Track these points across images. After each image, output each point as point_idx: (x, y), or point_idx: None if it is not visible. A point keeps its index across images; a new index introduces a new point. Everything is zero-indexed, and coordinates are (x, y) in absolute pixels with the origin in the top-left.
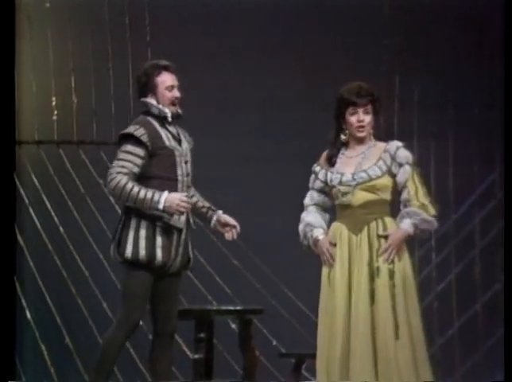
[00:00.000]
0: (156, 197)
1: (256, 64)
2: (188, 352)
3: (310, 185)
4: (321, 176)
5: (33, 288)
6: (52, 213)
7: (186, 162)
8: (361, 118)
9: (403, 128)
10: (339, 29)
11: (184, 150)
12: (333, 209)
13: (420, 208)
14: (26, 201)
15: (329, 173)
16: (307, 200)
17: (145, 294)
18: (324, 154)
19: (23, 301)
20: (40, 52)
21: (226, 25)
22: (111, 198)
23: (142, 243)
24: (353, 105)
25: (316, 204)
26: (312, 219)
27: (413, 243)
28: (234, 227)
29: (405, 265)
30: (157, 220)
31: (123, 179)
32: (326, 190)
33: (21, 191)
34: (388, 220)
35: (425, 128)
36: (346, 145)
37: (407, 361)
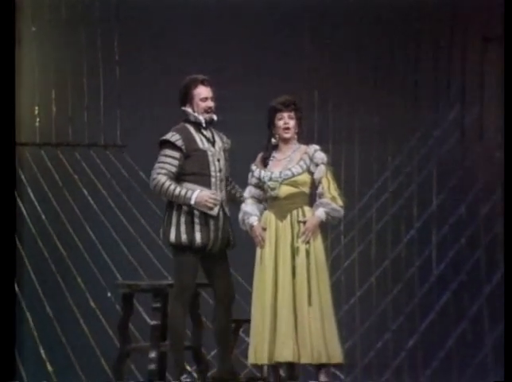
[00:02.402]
0: (188, 195)
1: None
2: (148, 320)
3: (248, 181)
4: (256, 174)
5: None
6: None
7: (219, 160)
8: (286, 121)
9: (320, 133)
10: (262, 55)
11: (217, 150)
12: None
13: (331, 200)
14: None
15: (262, 172)
16: (246, 194)
17: (191, 271)
18: (259, 156)
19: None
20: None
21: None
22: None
23: (183, 228)
24: (280, 112)
25: (252, 197)
26: (248, 209)
27: (326, 227)
28: None
29: (318, 245)
30: (195, 210)
31: (162, 179)
32: (260, 185)
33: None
34: (306, 208)
35: (338, 134)
36: (276, 148)
37: (317, 323)
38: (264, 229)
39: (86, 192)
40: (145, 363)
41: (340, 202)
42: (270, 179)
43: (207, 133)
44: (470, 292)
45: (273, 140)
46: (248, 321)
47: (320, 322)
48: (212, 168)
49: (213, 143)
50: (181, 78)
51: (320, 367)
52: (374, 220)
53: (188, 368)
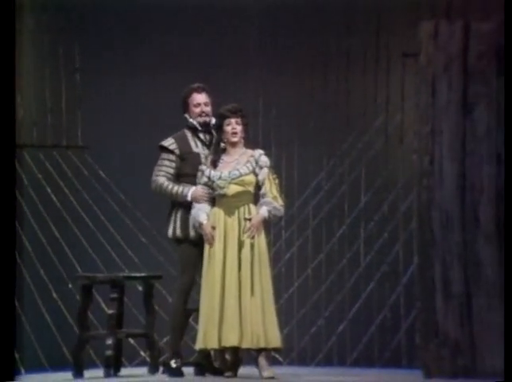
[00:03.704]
0: (185, 192)
1: None
2: (105, 308)
3: (197, 180)
4: (207, 173)
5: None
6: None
7: None
8: (234, 127)
9: (264, 138)
10: (212, 70)
11: None
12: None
13: (273, 199)
14: None
15: (212, 172)
16: None
17: (191, 263)
18: (209, 159)
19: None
20: None
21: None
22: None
23: (178, 224)
24: (228, 118)
25: None
26: (201, 206)
27: (269, 224)
28: None
29: (262, 240)
30: (190, 208)
31: (161, 179)
32: (209, 184)
33: None
34: (252, 206)
35: (280, 138)
36: (224, 151)
37: (258, 312)
38: (213, 228)
39: (49, 190)
40: (102, 349)
41: (281, 201)
42: (220, 178)
43: (205, 136)
44: (390, 282)
45: (221, 144)
46: (197, 310)
47: (260, 311)
48: None
49: (208, 146)
50: (139, 82)
51: (260, 351)
52: (310, 217)
53: (142, 353)
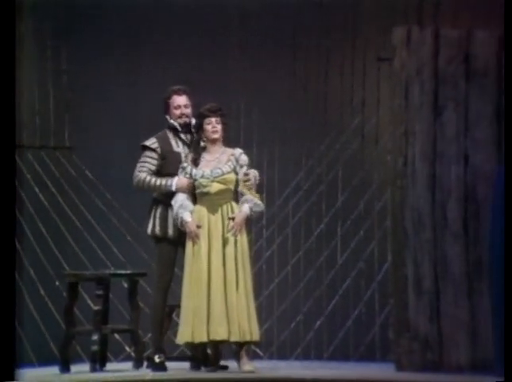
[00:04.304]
0: (169, 182)
1: None
2: (91, 305)
3: (179, 177)
4: (188, 170)
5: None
6: None
7: None
8: (214, 125)
9: (246, 137)
10: (197, 73)
11: None
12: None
13: (253, 196)
14: None
15: (194, 170)
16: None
17: (170, 261)
18: (190, 157)
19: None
20: None
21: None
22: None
23: (158, 222)
24: (208, 117)
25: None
26: (185, 203)
27: (251, 223)
28: None
29: (244, 238)
30: (170, 206)
31: (143, 175)
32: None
33: None
34: (234, 204)
35: (261, 138)
36: (205, 150)
37: (243, 306)
38: (199, 226)
39: (37, 189)
40: (88, 344)
41: (258, 197)
42: (202, 176)
43: (186, 136)
44: (365, 279)
45: (201, 143)
46: (179, 305)
47: (245, 305)
48: None
49: (189, 146)
50: (124, 85)
51: (241, 345)
52: (290, 216)
53: (127, 348)
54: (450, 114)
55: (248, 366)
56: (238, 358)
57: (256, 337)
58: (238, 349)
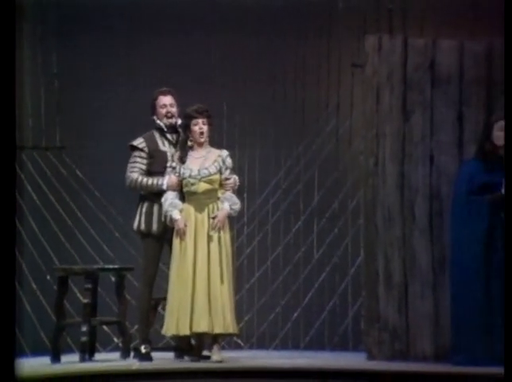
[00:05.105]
0: (160, 181)
1: None
2: (81, 298)
3: (166, 174)
4: (176, 169)
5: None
6: None
7: None
8: (201, 126)
9: (228, 139)
10: (180, 78)
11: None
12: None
13: (231, 195)
14: None
15: (182, 169)
16: (165, 186)
17: (155, 256)
18: (177, 155)
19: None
20: None
21: None
22: None
23: (143, 218)
24: (195, 118)
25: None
26: (175, 201)
27: (233, 221)
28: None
29: (227, 234)
30: (155, 203)
31: (135, 175)
32: (179, 180)
33: None
34: (219, 203)
35: (243, 140)
36: (192, 148)
37: (227, 299)
38: (185, 225)
39: (30, 188)
40: (78, 336)
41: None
42: (190, 176)
43: (172, 136)
44: (339, 273)
45: (189, 142)
46: (165, 298)
47: (228, 298)
48: None
49: (175, 145)
50: (112, 87)
51: (217, 336)
52: (270, 214)
53: (115, 339)
54: (417, 118)
55: (217, 356)
56: (210, 348)
57: (237, 329)
58: (213, 340)
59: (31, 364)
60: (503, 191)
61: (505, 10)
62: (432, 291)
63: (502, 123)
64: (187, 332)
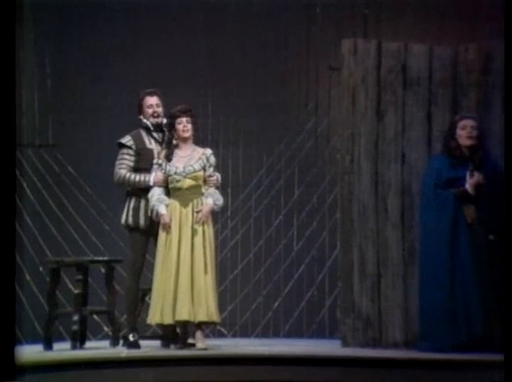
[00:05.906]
0: (147, 178)
1: None
2: (72, 289)
3: (153, 171)
4: (162, 166)
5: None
6: None
7: None
8: (185, 125)
9: (213, 137)
10: (167, 77)
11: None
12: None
13: (214, 191)
14: None
15: (168, 166)
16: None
17: (142, 249)
18: (163, 153)
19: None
20: None
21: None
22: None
23: (130, 213)
24: (179, 117)
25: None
26: (158, 197)
27: (217, 215)
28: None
29: (211, 228)
30: (142, 198)
31: (123, 172)
32: (165, 177)
33: None
34: (203, 199)
35: (227, 137)
36: (177, 147)
37: (210, 288)
38: (171, 219)
39: (25, 184)
40: (69, 324)
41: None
42: (175, 173)
43: (158, 135)
44: (318, 264)
45: (174, 141)
46: (151, 289)
47: (212, 288)
48: None
49: (161, 143)
50: (104, 86)
51: (200, 326)
52: (252, 208)
53: (105, 328)
54: (390, 118)
55: (201, 343)
56: (193, 336)
57: (219, 318)
58: (197, 328)
59: (25, 352)
60: (467, 186)
61: (505, 12)
62: (403, 282)
63: (464, 123)
64: (170, 320)
